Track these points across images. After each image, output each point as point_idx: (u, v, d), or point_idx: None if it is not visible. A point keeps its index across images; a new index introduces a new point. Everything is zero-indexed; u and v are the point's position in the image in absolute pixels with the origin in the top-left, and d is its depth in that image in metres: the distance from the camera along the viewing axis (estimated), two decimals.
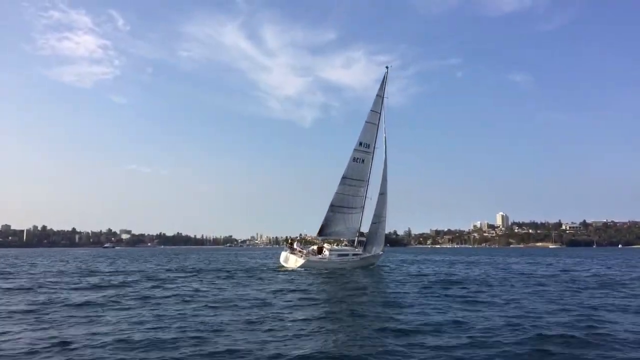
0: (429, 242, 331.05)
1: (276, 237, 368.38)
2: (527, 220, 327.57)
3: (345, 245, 44.67)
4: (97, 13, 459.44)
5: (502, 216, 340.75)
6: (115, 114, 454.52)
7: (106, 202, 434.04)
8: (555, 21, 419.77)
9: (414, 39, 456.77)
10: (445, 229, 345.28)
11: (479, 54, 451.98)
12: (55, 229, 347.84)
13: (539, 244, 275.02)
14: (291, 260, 38.88)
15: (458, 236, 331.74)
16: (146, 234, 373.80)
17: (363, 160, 41.77)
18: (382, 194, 43.10)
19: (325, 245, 41.12)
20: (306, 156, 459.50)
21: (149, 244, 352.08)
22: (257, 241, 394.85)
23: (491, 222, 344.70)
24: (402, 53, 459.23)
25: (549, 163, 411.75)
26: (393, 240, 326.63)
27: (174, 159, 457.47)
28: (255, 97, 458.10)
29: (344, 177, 40.87)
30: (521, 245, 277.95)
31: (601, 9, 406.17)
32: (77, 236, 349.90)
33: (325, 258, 39.22)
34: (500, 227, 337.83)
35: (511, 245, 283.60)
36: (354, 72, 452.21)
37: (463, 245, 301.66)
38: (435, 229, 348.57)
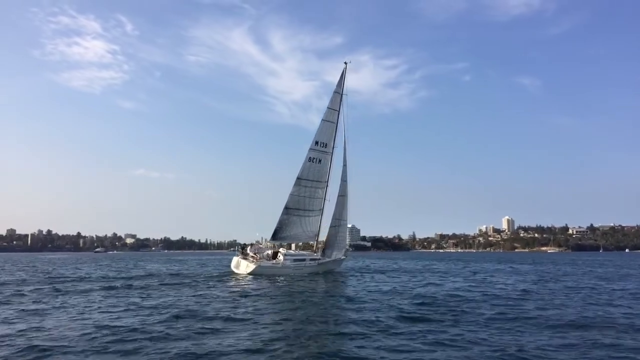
0: (433, 246, 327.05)
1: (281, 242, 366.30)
2: (533, 225, 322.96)
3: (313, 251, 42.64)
4: (106, 18, 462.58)
5: (508, 220, 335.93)
6: (124, 119, 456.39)
7: (112, 207, 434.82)
8: (564, 25, 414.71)
9: (421, 43, 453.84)
10: (450, 233, 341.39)
11: (487, 58, 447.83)
12: (60, 233, 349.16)
13: (544, 248, 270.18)
14: (242, 266, 37.06)
15: (463, 240, 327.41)
16: (151, 239, 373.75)
17: (320, 161, 39.93)
18: (342, 196, 41.26)
19: (281, 250, 39.17)
20: None
21: (153, 248, 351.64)
22: (261, 245, 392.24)
23: (497, 227, 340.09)
24: (409, 57, 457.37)
25: (556, 167, 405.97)
26: (396, 245, 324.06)
27: (180, 163, 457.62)
28: (263, 101, 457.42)
29: (298, 178, 39.09)
30: (526, 250, 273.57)
31: (610, 12, 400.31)
32: (81, 240, 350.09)
33: (278, 263, 37.38)
34: (506, 231, 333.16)
35: (516, 250, 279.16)
36: (362, 77, 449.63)
37: (467, 250, 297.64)
38: (440, 233, 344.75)
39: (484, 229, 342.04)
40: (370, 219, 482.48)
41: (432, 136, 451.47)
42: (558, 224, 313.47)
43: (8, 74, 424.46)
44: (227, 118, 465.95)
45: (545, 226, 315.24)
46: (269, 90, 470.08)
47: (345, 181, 41.40)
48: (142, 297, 21.29)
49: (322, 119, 39.88)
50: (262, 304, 19.26)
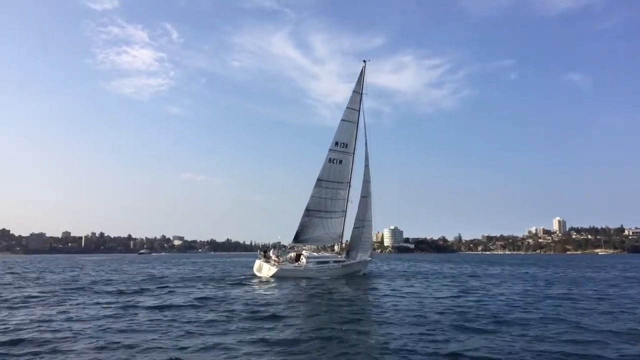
0: (479, 248, 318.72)
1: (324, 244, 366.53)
2: (586, 226, 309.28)
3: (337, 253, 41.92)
4: (153, 27, 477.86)
5: (559, 221, 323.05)
6: (171, 124, 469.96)
7: (161, 209, 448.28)
8: (615, 18, 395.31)
9: (464, 42, 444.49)
10: (498, 235, 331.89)
11: (533, 55, 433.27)
12: (112, 235, 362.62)
13: (598, 250, 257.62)
14: (264, 269, 36.96)
15: (511, 242, 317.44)
16: (198, 240, 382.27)
17: (341, 162, 39.35)
18: (365, 196, 40.55)
19: (304, 252, 38.75)
20: (358, 162, 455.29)
21: (200, 250, 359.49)
22: (305, 247, 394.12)
23: (547, 228, 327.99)
24: (452, 56, 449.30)
25: (609, 165, 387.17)
26: (441, 246, 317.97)
27: (225, 167, 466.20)
28: (305, 105, 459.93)
29: (319, 180, 38.65)
30: (579, 252, 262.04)
31: None
32: (132, 242, 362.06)
33: (301, 266, 37.02)
34: (557, 232, 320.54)
35: (568, 252, 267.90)
36: (404, 77, 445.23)
37: (516, 252, 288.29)
38: (487, 234, 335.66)
39: (533, 231, 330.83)
40: (415, 221, 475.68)
41: (477, 135, 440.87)
42: (613, 225, 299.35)
43: (63, 83, 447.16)
44: (270, 122, 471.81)
45: (599, 227, 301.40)
46: (310, 93, 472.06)
47: (368, 182, 40.70)
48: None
49: (342, 119, 39.31)
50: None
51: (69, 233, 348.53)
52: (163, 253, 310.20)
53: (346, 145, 39.40)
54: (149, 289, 26.86)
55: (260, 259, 38.26)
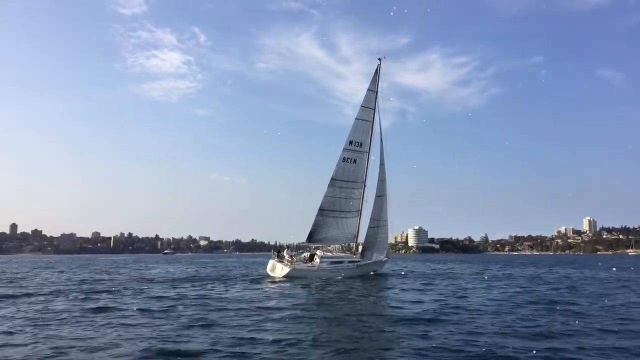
0: (506, 248, 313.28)
1: (348, 244, 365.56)
2: (617, 226, 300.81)
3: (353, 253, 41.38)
4: (181, 31, 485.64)
5: (590, 221, 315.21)
6: (198, 126, 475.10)
7: (188, 210, 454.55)
8: None
9: (492, 39, 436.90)
10: (526, 235, 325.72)
11: (564, 50, 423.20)
12: (140, 235, 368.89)
13: (629, 251, 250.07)
14: (277, 269, 36.75)
15: (539, 242, 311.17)
16: (223, 241, 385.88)
17: (355, 161, 38.89)
18: (380, 196, 40.02)
19: (318, 252, 38.39)
20: (385, 163, 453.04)
21: (225, 250, 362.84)
22: (329, 247, 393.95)
23: (577, 228, 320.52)
24: (480, 54, 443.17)
25: None
26: (467, 247, 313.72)
27: (252, 167, 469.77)
28: (331, 105, 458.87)
29: (332, 179, 38.24)
30: (609, 253, 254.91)
31: None
32: (159, 242, 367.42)
33: (314, 266, 36.72)
34: (587, 232, 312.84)
35: (598, 252, 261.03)
36: (430, 76, 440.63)
37: (544, 253, 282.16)
38: (514, 234, 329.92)
39: (563, 231, 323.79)
40: (440, 221, 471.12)
41: (505, 134, 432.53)
42: None
43: (94, 87, 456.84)
44: (297, 122, 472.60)
45: (632, 227, 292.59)
46: (336, 93, 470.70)
47: (384, 181, 40.16)
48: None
49: (356, 118, 38.86)
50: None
51: (99, 233, 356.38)
52: (189, 253, 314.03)
53: (361, 144, 38.94)
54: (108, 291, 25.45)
55: (273, 259, 38.04)
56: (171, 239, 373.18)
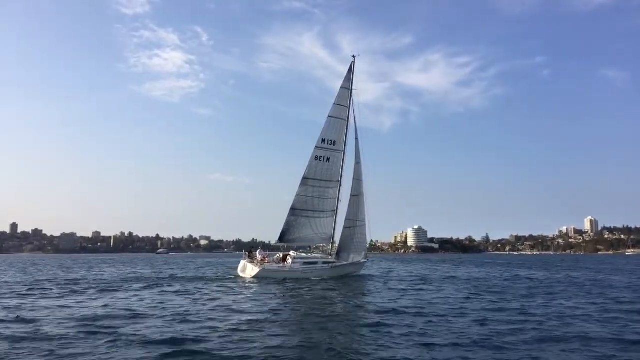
0: (507, 248, 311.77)
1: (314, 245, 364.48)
2: (619, 225, 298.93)
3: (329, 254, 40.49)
4: (183, 30, 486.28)
5: (591, 221, 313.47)
6: (200, 126, 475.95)
7: (189, 210, 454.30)
8: None
9: (495, 39, 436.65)
10: (527, 235, 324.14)
11: (567, 51, 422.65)
12: (140, 235, 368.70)
13: (630, 251, 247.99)
14: (248, 270, 36.03)
15: (540, 242, 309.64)
16: (224, 240, 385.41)
17: (329, 159, 38.06)
18: (356, 195, 39.15)
19: (291, 252, 37.61)
20: (384, 162, 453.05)
21: (225, 250, 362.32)
22: (328, 247, 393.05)
23: (579, 227, 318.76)
24: (483, 54, 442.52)
25: None
26: (467, 247, 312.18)
27: (254, 167, 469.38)
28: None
29: (304, 178, 37.39)
30: (610, 252, 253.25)
31: None
32: (159, 242, 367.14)
33: (285, 267, 35.95)
34: (589, 232, 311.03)
35: (599, 252, 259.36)
36: (433, 76, 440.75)
37: (545, 252, 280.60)
38: (515, 234, 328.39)
39: (564, 230, 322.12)
40: (440, 220, 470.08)
41: (507, 134, 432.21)
42: None
43: (96, 87, 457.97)
44: (298, 122, 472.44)
45: (634, 227, 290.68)
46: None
47: (360, 180, 39.27)
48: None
49: (329, 116, 37.97)
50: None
51: (99, 233, 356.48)
52: (189, 253, 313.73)
53: (334, 142, 38.08)
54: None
55: (245, 259, 37.29)
56: (171, 238, 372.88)
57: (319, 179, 37.70)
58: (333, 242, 39.73)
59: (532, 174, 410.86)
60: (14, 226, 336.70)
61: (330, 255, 39.11)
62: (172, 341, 11.90)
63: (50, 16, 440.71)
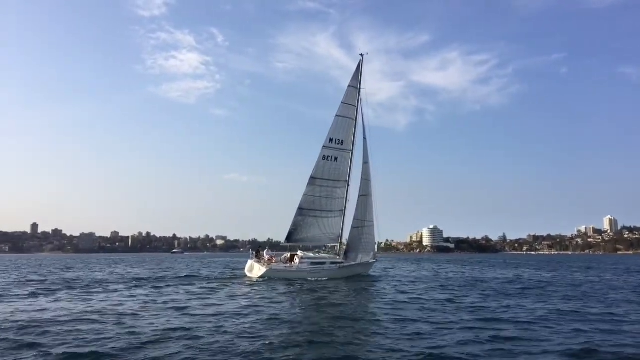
0: (525, 248, 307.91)
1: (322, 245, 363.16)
2: (639, 225, 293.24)
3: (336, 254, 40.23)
4: (199, 32, 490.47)
5: (610, 220, 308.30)
6: (216, 126, 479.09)
7: (206, 210, 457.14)
8: None
9: (513, 36, 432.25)
10: (545, 234, 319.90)
11: (585, 48, 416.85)
12: (158, 235, 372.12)
13: None
14: (255, 270, 36.01)
15: (559, 242, 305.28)
16: (240, 240, 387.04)
17: (336, 159, 37.86)
18: (364, 195, 38.92)
19: (299, 252, 37.52)
20: (399, 161, 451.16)
21: (242, 250, 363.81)
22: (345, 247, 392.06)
23: (598, 227, 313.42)
24: (500, 51, 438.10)
25: None
26: (483, 246, 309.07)
27: (270, 167, 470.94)
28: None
29: (312, 178, 37.23)
30: (630, 252, 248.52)
31: None
32: (176, 242, 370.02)
33: (292, 267, 35.88)
34: (608, 232, 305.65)
35: (619, 252, 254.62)
36: (450, 74, 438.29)
37: (563, 252, 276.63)
38: (533, 234, 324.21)
39: (583, 230, 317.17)
40: (456, 220, 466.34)
41: (525, 132, 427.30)
42: None
43: (116, 88, 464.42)
44: (314, 122, 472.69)
45: None
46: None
47: (368, 180, 39.04)
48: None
49: (336, 115, 37.75)
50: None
51: (117, 233, 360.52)
52: (205, 252, 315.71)
53: (342, 142, 37.89)
54: None
55: (252, 259, 37.27)
56: (188, 238, 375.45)
57: (326, 179, 37.55)
58: (341, 242, 39.56)
59: (550, 173, 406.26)
60: (34, 226, 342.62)
61: (338, 255, 38.95)
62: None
63: (70, 20, 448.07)
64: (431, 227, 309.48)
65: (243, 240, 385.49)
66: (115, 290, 25.84)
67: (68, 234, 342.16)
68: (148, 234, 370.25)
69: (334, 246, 39.55)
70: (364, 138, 38.61)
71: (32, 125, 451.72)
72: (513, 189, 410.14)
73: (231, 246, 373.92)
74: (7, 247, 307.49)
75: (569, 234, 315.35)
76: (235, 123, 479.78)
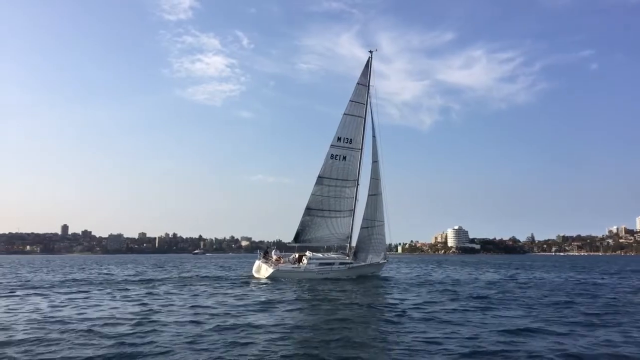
0: (553, 249, 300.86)
1: (389, 244, 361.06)
2: None
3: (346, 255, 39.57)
4: (224, 35, 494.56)
5: None
6: (242, 128, 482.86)
7: (232, 211, 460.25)
8: None
9: (539, 33, 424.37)
10: (574, 235, 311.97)
11: (616, 43, 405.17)
12: (184, 236, 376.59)
13: None
14: (262, 270, 35.72)
15: (589, 242, 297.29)
16: (265, 241, 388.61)
17: (345, 158, 37.28)
18: (374, 195, 38.21)
19: (307, 253, 37.06)
20: (425, 161, 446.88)
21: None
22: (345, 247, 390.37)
23: (630, 227, 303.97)
24: (527, 48, 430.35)
25: None
26: (510, 247, 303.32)
27: (296, 168, 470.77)
28: (372, 104, 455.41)
29: (320, 177, 36.72)
30: None
31: None
32: (202, 243, 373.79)
33: (300, 267, 35.46)
34: None
35: None
36: (475, 72, 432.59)
37: (593, 253, 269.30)
38: (562, 234, 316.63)
39: (614, 230, 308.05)
40: (482, 221, 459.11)
41: (553, 130, 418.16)
42: None
43: (144, 92, 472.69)
44: (338, 123, 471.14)
45: None
46: (377, 92, 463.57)
47: (377, 179, 38.32)
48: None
49: (344, 113, 37.15)
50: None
51: (145, 234, 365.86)
52: (230, 253, 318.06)
53: (350, 140, 37.29)
54: None
55: (259, 259, 36.99)
56: (214, 239, 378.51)
57: (334, 178, 37.01)
58: (350, 243, 38.96)
59: (580, 171, 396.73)
60: (64, 228, 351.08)
61: (348, 255, 38.34)
62: None
63: (99, 26, 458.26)
64: (456, 227, 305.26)
65: (268, 241, 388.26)
66: (80, 292, 25.82)
67: (97, 235, 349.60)
68: (174, 234, 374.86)
69: (343, 246, 38.95)
70: (374, 136, 37.96)
71: (62, 128, 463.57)
72: (541, 188, 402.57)
73: (256, 247, 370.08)
74: (38, 249, 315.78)
75: (599, 235, 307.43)
76: (260, 125, 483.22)
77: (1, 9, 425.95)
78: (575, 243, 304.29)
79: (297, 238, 36.93)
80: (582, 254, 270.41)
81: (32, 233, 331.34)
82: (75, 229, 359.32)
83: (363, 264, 37.96)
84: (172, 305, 19.15)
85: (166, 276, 39.73)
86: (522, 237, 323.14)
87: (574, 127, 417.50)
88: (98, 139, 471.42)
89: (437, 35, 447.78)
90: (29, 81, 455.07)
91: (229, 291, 25.61)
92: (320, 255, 37.49)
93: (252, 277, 36.36)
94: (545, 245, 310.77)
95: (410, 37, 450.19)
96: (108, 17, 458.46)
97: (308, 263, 35.60)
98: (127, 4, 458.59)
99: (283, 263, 36.03)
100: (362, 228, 38.10)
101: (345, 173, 37.44)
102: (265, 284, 31.10)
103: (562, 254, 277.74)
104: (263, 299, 21.33)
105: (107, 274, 45.03)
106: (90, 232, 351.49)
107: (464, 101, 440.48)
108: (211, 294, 23.80)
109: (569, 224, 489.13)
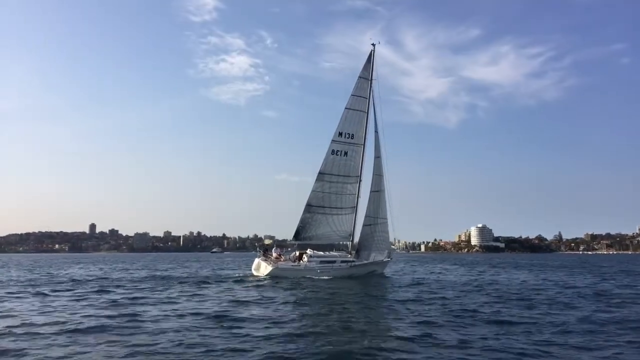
0: (582, 248, 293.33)
1: (413, 243, 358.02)
2: None
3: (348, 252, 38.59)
4: (249, 35, 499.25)
5: None
6: (266, 127, 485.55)
7: (256, 210, 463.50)
8: None
9: (569, 27, 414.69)
10: (603, 233, 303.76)
11: None
12: (208, 235, 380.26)
13: None
14: (262, 268, 35.24)
15: (618, 241, 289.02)
16: (287, 240, 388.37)
17: (346, 153, 36.49)
18: (376, 191, 37.38)
19: (308, 251, 36.39)
20: (450, 158, 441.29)
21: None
22: (393, 246, 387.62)
23: None
24: (556, 43, 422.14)
25: None
26: (535, 246, 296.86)
27: (319, 167, 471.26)
28: (397, 102, 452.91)
29: (320, 173, 36.04)
30: None
31: None
32: (225, 241, 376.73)
33: (300, 265, 34.85)
34: None
35: None
36: (502, 68, 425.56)
37: (623, 252, 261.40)
38: (590, 232, 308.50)
39: None
40: (508, 219, 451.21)
41: (583, 126, 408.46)
42: None
43: (170, 92, 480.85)
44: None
45: None
46: (402, 90, 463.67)
47: (380, 175, 37.43)
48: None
49: (346, 108, 36.29)
50: None
51: (170, 232, 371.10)
52: (253, 252, 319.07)
53: (352, 135, 36.47)
54: None
55: (259, 257, 36.49)
56: (237, 238, 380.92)
57: (336, 174, 36.27)
58: (352, 240, 38.16)
59: (610, 168, 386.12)
60: (92, 227, 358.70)
61: (350, 253, 37.54)
62: None
63: (125, 29, 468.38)
64: (480, 225, 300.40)
65: (290, 240, 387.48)
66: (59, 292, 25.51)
67: (123, 234, 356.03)
68: (199, 233, 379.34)
69: (346, 244, 38.17)
70: (376, 132, 37.10)
71: (94, 131, 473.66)
72: (569, 185, 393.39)
73: (278, 245, 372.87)
74: (67, 247, 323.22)
75: (629, 233, 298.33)
76: (284, 124, 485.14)
77: (36, 14, 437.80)
78: (604, 241, 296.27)
79: (297, 235, 36.44)
80: (612, 252, 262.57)
81: (61, 232, 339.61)
82: (102, 227, 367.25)
83: (366, 262, 37.13)
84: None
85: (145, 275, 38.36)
86: (549, 236, 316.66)
87: (602, 123, 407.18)
88: (126, 140, 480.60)
89: (463, 31, 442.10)
90: (69, 86, 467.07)
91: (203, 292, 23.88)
92: (320, 253, 36.76)
93: (252, 275, 35.93)
94: (573, 244, 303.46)
95: (436, 34, 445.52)
96: (134, 20, 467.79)
97: (308, 261, 34.99)
98: (153, 7, 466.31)
99: (283, 261, 35.52)
100: (364, 225, 37.27)
101: (347, 169, 36.67)
102: (260, 282, 30.62)
103: (590, 252, 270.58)
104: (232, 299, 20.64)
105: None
106: (117, 230, 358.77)
107: (491, 98, 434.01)
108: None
109: (598, 222, 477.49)
